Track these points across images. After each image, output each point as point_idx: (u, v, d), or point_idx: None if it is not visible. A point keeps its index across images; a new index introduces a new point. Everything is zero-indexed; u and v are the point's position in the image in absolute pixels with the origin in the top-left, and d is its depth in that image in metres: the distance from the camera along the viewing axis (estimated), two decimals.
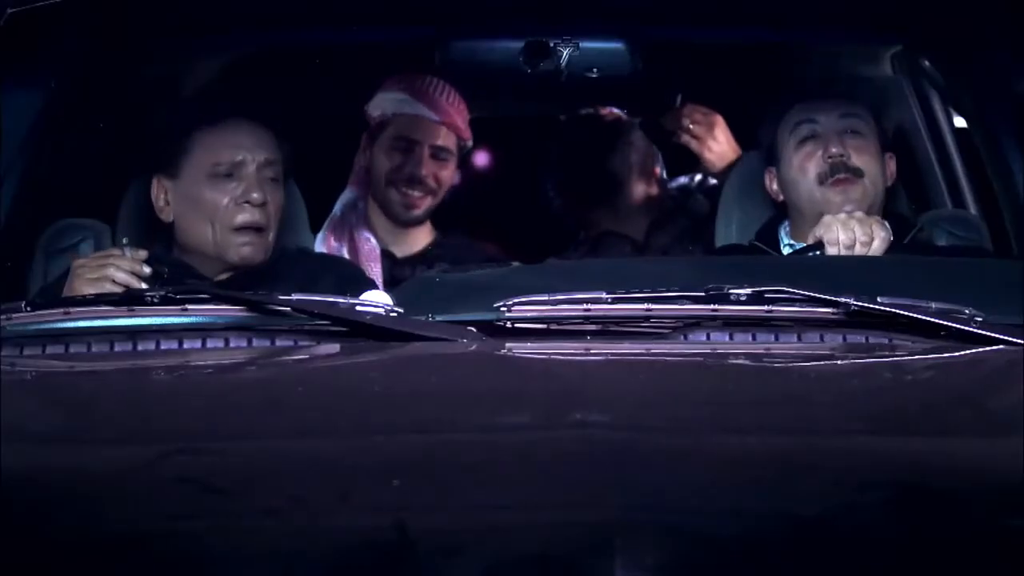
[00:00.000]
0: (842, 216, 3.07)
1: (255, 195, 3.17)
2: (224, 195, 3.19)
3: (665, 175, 4.26)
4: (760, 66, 3.82)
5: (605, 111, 4.15)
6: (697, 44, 3.69)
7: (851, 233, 3.03)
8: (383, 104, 3.86)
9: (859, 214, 3.09)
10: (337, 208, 3.93)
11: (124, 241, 3.18)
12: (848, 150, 3.28)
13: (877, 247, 3.05)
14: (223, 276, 3.22)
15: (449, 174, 3.85)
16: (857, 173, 3.27)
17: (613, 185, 4.08)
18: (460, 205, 3.94)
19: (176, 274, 3.12)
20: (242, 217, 3.18)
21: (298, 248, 3.43)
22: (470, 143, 3.90)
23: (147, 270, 3.02)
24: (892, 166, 3.38)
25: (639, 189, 4.11)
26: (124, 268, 3.00)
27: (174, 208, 3.24)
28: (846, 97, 3.37)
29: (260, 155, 3.20)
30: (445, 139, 3.83)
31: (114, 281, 2.97)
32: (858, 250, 3.02)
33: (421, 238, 3.89)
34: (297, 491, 1.65)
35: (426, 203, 3.83)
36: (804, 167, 3.32)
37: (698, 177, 4.26)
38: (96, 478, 1.73)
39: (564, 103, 4.08)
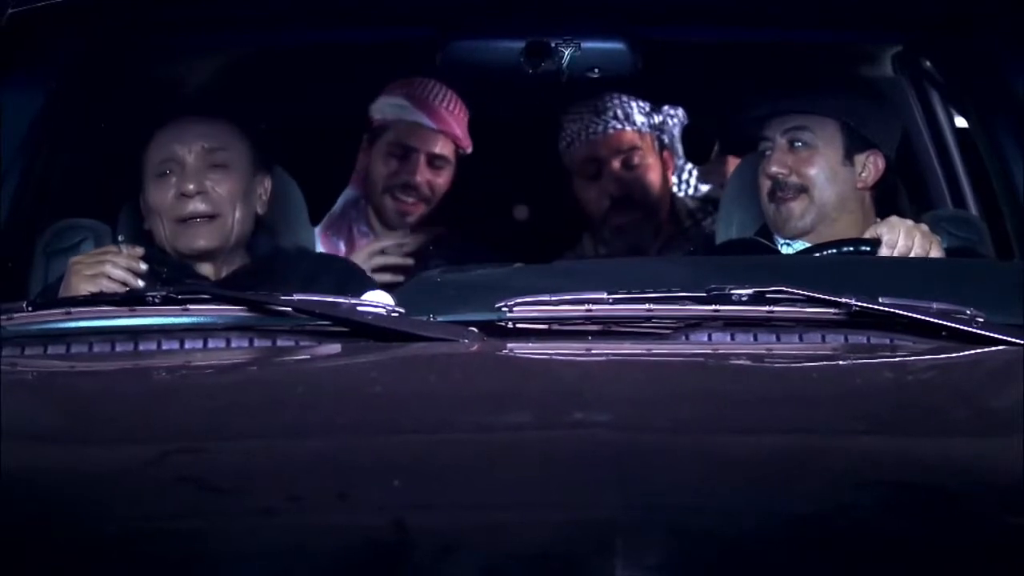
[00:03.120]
0: (909, 223, 3.11)
1: (190, 186, 3.19)
2: (166, 191, 3.22)
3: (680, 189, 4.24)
4: (759, 64, 3.81)
5: (618, 126, 4.07)
6: (699, 44, 3.69)
7: (910, 242, 3.05)
8: (383, 109, 3.87)
9: (924, 227, 3.12)
10: (338, 205, 3.94)
11: (120, 239, 3.19)
12: (790, 165, 3.33)
13: None
14: (203, 267, 3.24)
15: (444, 182, 3.86)
16: (799, 189, 3.33)
17: (625, 200, 4.03)
18: (460, 204, 3.94)
19: (174, 272, 3.13)
20: (184, 209, 3.21)
21: (297, 247, 3.44)
22: (469, 150, 3.90)
23: (144, 267, 3.04)
24: (877, 164, 3.37)
25: (651, 205, 4.06)
26: (121, 265, 3.02)
27: (145, 216, 3.29)
28: (797, 104, 3.36)
29: (196, 145, 3.23)
30: (442, 147, 3.85)
31: (111, 278, 2.99)
32: None
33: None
34: (298, 491, 1.65)
35: (419, 210, 3.84)
36: (761, 182, 3.39)
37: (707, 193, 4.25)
38: (97, 478, 1.73)
39: (565, 103, 4.07)
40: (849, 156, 3.35)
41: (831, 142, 3.34)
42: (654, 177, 4.02)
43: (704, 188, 4.31)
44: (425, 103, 3.83)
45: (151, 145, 3.26)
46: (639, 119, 4.01)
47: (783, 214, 3.34)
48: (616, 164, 3.99)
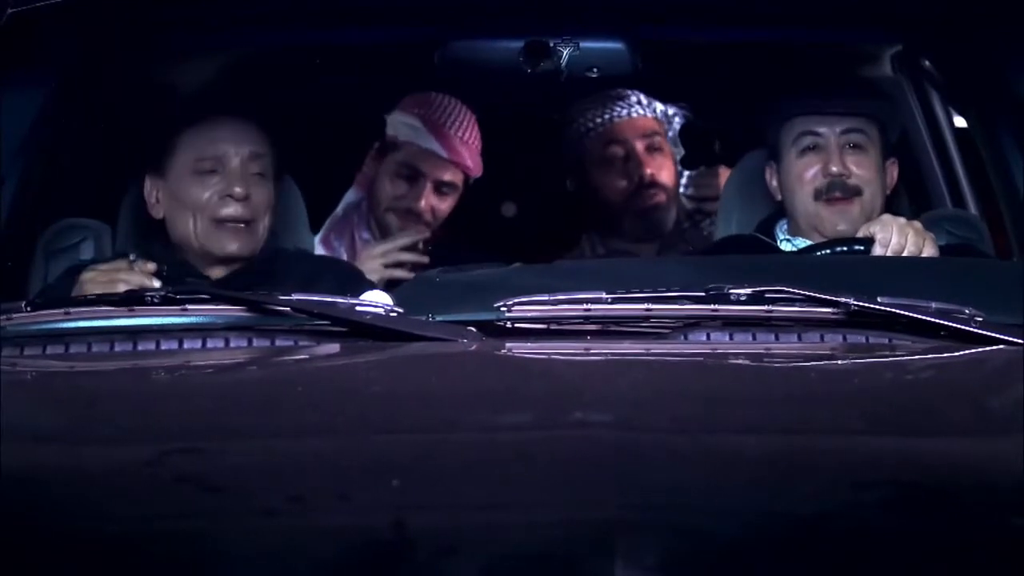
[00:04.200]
0: (902, 220, 3.10)
1: (237, 189, 3.19)
2: (207, 190, 3.22)
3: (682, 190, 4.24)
4: (760, 66, 3.81)
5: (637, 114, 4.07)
6: (697, 44, 3.69)
7: (904, 240, 3.04)
8: (397, 126, 3.86)
9: (917, 224, 3.12)
10: (340, 208, 3.94)
11: (131, 257, 3.17)
12: (849, 166, 3.30)
13: None
14: (216, 270, 3.24)
15: (448, 207, 3.86)
16: (855, 192, 3.30)
17: (653, 181, 4.02)
18: (460, 206, 3.94)
19: (175, 271, 3.13)
20: (225, 211, 3.21)
21: (296, 248, 3.44)
22: (478, 175, 3.89)
23: (156, 283, 3.02)
24: (894, 172, 3.39)
25: (673, 190, 4.06)
26: (133, 282, 3.00)
27: (164, 206, 3.27)
28: (852, 106, 3.35)
29: (244, 149, 3.23)
30: (451, 176, 3.84)
31: None
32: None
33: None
34: (297, 491, 1.65)
35: (420, 231, 3.83)
36: (802, 178, 3.34)
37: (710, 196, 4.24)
38: (96, 478, 1.73)
39: (565, 102, 4.07)
40: (883, 161, 3.34)
41: (876, 146, 3.33)
42: (671, 164, 4.05)
43: (697, 197, 4.30)
44: (440, 129, 3.82)
45: (188, 138, 3.25)
46: (657, 107, 4.04)
47: (835, 215, 3.29)
48: (641, 146, 4.01)
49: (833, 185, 3.30)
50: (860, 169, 3.30)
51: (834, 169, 3.29)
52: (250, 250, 3.23)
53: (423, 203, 3.81)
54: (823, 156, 3.31)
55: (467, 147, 3.84)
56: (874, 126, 3.34)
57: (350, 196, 3.97)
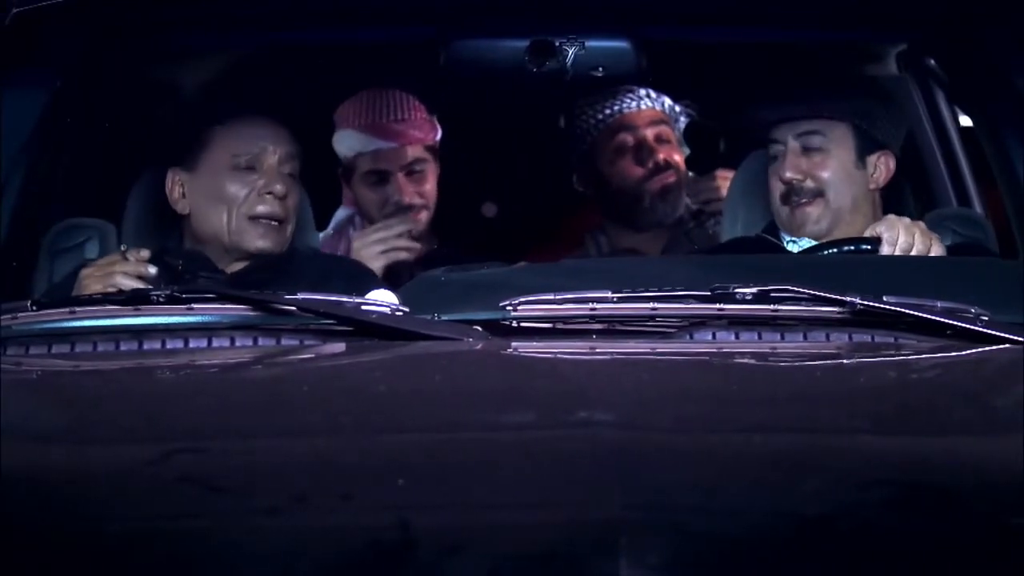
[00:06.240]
0: (907, 220, 3.11)
1: (278, 187, 3.21)
2: (245, 186, 3.23)
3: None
4: (765, 65, 3.81)
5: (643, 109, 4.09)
6: (702, 44, 3.69)
7: (910, 239, 3.05)
8: (342, 146, 3.89)
9: (922, 225, 3.12)
10: (331, 227, 3.94)
11: (123, 247, 3.17)
12: (806, 169, 3.33)
13: None
14: (236, 266, 3.24)
15: (432, 182, 3.85)
16: (815, 193, 3.33)
17: (664, 166, 4.04)
18: (465, 203, 3.93)
19: (189, 265, 3.14)
20: (263, 208, 3.22)
21: (306, 247, 3.44)
22: (439, 133, 3.89)
23: (152, 270, 3.03)
24: (888, 165, 3.37)
25: (682, 178, 4.07)
26: (129, 272, 3.00)
27: (190, 200, 3.27)
28: (807, 108, 3.36)
29: (281, 148, 3.24)
30: (413, 153, 3.84)
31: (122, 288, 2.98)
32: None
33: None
34: (302, 490, 1.65)
35: (424, 218, 3.83)
36: (772, 185, 3.38)
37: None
38: (100, 477, 1.73)
39: (570, 102, 4.07)
40: (861, 157, 3.34)
41: (843, 144, 3.34)
42: (680, 154, 4.07)
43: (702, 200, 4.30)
44: (373, 126, 3.84)
45: (224, 134, 3.26)
46: (666, 102, 4.07)
47: (798, 218, 3.32)
48: (651, 134, 4.03)
49: (791, 190, 3.34)
50: (819, 170, 3.33)
51: (788, 174, 3.33)
52: (279, 249, 3.25)
53: (406, 196, 3.82)
54: (784, 161, 3.35)
55: (407, 123, 3.85)
56: (839, 126, 3.35)
57: (340, 214, 3.97)
